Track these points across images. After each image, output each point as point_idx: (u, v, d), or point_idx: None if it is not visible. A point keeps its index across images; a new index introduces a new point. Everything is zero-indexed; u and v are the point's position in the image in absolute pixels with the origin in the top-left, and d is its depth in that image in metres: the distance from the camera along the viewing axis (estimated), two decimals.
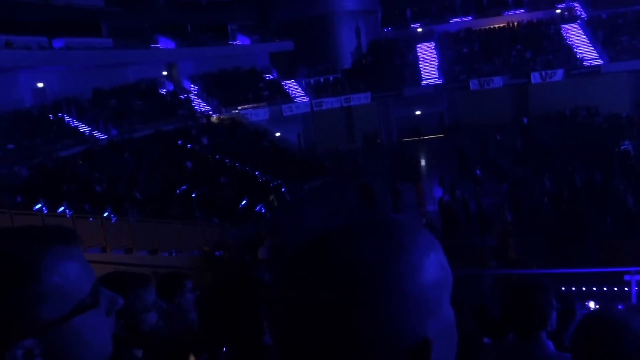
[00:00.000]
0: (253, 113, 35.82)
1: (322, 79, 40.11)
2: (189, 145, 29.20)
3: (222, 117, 34.89)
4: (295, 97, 38.70)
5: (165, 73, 38.19)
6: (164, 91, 36.49)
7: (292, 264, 0.71)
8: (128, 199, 20.26)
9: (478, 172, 22.98)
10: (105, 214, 17.01)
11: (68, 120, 28.43)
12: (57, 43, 29.90)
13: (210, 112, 35.48)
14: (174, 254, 16.07)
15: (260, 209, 23.30)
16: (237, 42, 43.36)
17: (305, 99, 38.36)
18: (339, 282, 0.66)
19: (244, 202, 23.33)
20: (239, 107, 35.95)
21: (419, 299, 0.67)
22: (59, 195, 18.73)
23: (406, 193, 22.20)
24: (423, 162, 29.78)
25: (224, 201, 22.62)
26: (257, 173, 27.51)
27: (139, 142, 27.59)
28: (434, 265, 0.70)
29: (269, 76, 40.85)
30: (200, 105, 36.58)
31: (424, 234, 0.72)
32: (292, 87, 39.68)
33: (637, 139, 25.54)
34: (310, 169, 29.54)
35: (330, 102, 37.52)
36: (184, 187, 23.28)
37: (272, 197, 23.82)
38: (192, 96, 37.23)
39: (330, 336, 0.65)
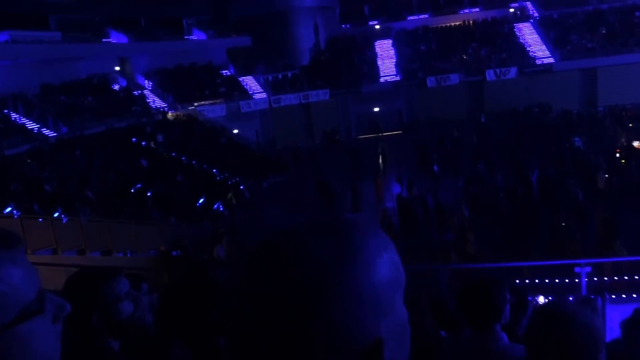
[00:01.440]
0: (210, 109, 35.40)
1: (280, 76, 39.97)
2: (143, 143, 28.61)
3: (177, 113, 34.33)
4: (253, 93, 38.45)
5: (117, 68, 37.27)
6: (116, 87, 35.62)
7: (246, 265, 0.71)
8: (79, 199, 19.71)
9: (436, 168, 23.36)
10: (56, 215, 16.49)
11: (15, 117, 27.42)
12: (2, 36, 28.74)
13: (166, 109, 34.85)
14: (129, 255, 15.74)
15: (218, 208, 23.08)
16: (193, 37, 42.75)
17: (264, 95, 38.17)
18: (292, 283, 0.66)
19: (201, 200, 23.05)
20: (195, 104, 35.47)
21: (373, 299, 0.68)
22: (6, 196, 18.06)
23: (365, 190, 22.39)
24: (381, 159, 30.09)
25: (181, 200, 22.29)
26: (214, 171, 27.22)
27: (91, 139, 26.85)
28: (387, 265, 0.71)
29: (226, 72, 40.43)
30: (154, 102, 35.87)
31: (378, 234, 0.73)
32: (250, 83, 39.40)
33: (587, 135, 26.53)
34: (269, 166, 29.43)
35: (289, 99, 37.45)
36: (139, 185, 22.82)
37: (230, 195, 23.61)
38: (146, 92, 36.47)
39: (283, 337, 0.65)
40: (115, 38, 37.34)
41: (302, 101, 37.46)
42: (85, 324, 1.81)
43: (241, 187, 25.60)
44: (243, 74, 40.13)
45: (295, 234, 0.71)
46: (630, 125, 28.89)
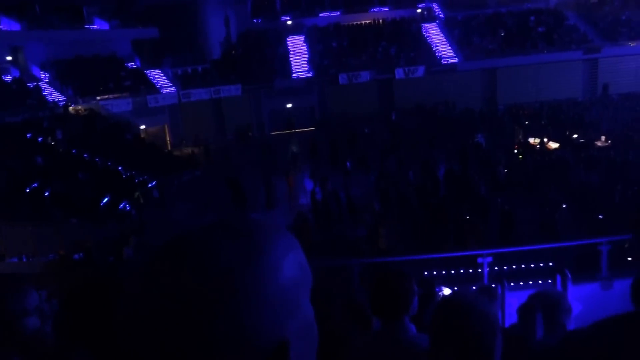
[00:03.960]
0: (114, 104, 33.87)
1: (189, 69, 39.00)
2: (39, 139, 26.89)
3: (78, 107, 32.55)
4: (161, 87, 37.22)
5: (9, 58, 34.74)
6: (8, 78, 33.19)
7: (150, 267, 0.70)
8: None
9: (348, 164, 23.81)
10: None
11: None
12: None
13: (65, 102, 32.94)
14: (24, 260, 14.76)
15: (125, 207, 22.17)
16: (95, 27, 40.66)
17: (172, 89, 37.06)
18: (197, 286, 0.66)
19: (105, 199, 22.03)
20: (98, 97, 33.79)
21: (278, 300, 0.69)
22: None
23: (278, 186, 22.40)
24: (294, 156, 30.24)
25: (83, 199, 21.19)
26: (120, 168, 26.10)
27: None
28: (292, 266, 0.72)
29: (132, 65, 38.84)
30: (52, 95, 33.79)
31: (283, 235, 0.75)
32: (158, 76, 38.11)
33: (488, 132, 28.12)
34: (179, 164, 28.66)
35: (199, 93, 36.64)
36: (35, 184, 21.43)
37: (137, 193, 22.77)
38: (42, 84, 34.27)
39: (189, 339, 0.65)
40: (6, 25, 34.76)
41: (213, 96, 36.78)
42: None
43: (149, 185, 24.76)
44: (150, 66, 38.73)
45: (200, 236, 0.71)
46: (527, 123, 30.98)
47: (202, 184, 24.91)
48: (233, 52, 41.78)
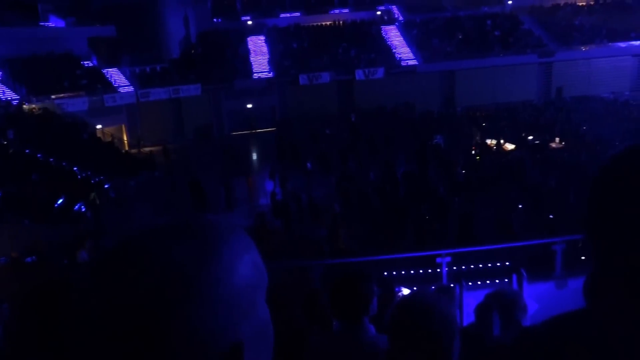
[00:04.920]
0: (70, 103, 32.96)
1: (148, 69, 38.32)
2: None
3: (32, 106, 31.54)
4: (119, 86, 36.45)
5: None
6: None
7: (102, 269, 0.68)
8: None
9: (309, 165, 23.85)
10: None
11: None
12: None
13: (19, 101, 31.86)
14: None
15: (80, 208, 21.60)
16: (50, 24, 39.47)
17: (130, 89, 36.34)
18: (150, 288, 0.65)
19: (60, 201, 21.42)
20: (53, 96, 32.82)
21: (233, 302, 0.68)
22: None
23: (238, 188, 22.28)
24: (255, 156, 30.12)
25: (37, 200, 20.55)
26: (75, 169, 25.42)
27: None
28: (247, 267, 0.72)
29: (88, 63, 37.88)
30: (5, 94, 32.65)
31: (238, 235, 0.74)
32: (115, 75, 37.30)
33: (447, 133, 28.62)
34: (137, 164, 28.13)
35: (158, 93, 36.07)
36: None
37: (93, 194, 22.20)
38: None
39: (143, 343, 0.64)
40: None
41: (172, 96, 36.26)
42: None
43: (105, 186, 24.21)
44: (107, 65, 37.87)
45: (152, 237, 0.70)
46: (484, 124, 31.70)
47: (161, 185, 24.53)
48: (193, 51, 41.27)
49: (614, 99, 36.55)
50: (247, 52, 40.92)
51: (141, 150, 33.10)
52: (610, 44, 39.96)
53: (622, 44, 39.95)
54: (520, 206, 17.08)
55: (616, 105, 34.86)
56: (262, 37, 42.35)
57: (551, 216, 15.35)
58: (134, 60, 38.47)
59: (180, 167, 26.71)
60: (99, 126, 32.97)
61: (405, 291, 6.02)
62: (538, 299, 7.42)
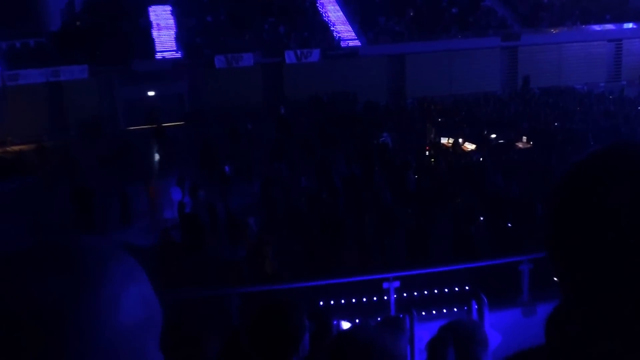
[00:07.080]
0: None
1: (18, 44, 37.20)
2: None
3: None
4: None
5: None
6: None
7: None
8: None
9: (227, 168, 23.74)
10: None
11: None
12: None
13: None
14: None
15: None
16: None
17: None
18: (5, 332, 0.62)
19: None
20: None
21: (115, 347, 0.66)
22: None
23: (137, 197, 21.91)
24: (158, 158, 29.61)
25: None
26: None
27: None
28: (135, 302, 0.70)
29: None
30: None
31: (123, 262, 0.72)
32: None
33: (396, 131, 29.20)
34: (2, 167, 27.18)
35: (32, 75, 35.15)
36: None
37: None
38: None
39: None
40: None
41: (51, 79, 35.31)
42: None
43: None
44: None
45: (10, 264, 0.67)
46: (440, 120, 32.59)
47: (35, 193, 23.73)
48: (78, 23, 40.25)
49: (588, 91, 38.53)
50: (148, 26, 40.27)
51: (8, 149, 32.04)
52: (583, 26, 42.14)
53: (597, 27, 42.20)
54: (481, 218, 17.63)
55: (590, 98, 36.76)
56: (168, 7, 41.83)
57: (517, 230, 15.93)
58: (1, 33, 37.12)
59: (61, 170, 25.99)
60: None
61: (345, 325, 6.07)
62: (502, 329, 7.66)
